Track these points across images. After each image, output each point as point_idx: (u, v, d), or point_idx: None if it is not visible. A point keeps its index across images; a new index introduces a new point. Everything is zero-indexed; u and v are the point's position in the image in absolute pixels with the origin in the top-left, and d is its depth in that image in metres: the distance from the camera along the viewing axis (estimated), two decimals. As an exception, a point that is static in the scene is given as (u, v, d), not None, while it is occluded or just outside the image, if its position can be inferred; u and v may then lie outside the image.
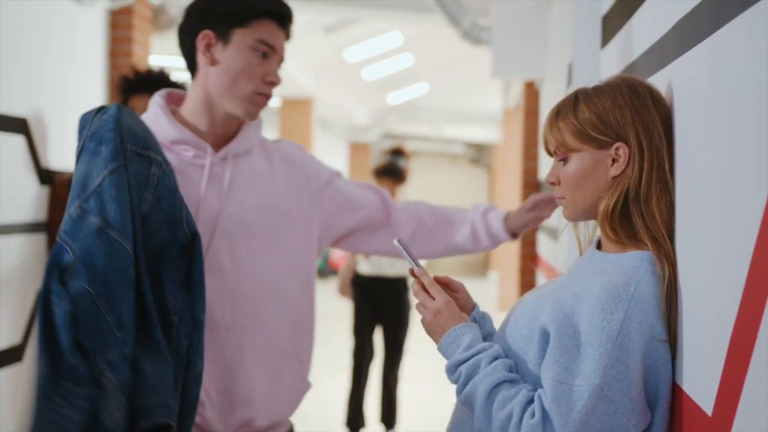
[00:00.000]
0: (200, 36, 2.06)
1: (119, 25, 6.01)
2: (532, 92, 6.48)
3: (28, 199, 3.87)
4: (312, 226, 2.19)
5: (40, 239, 4.06)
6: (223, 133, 2.11)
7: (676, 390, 1.49)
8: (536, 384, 1.52)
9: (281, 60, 2.12)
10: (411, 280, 1.75)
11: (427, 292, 1.67)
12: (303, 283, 2.16)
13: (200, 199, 2.03)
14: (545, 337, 1.51)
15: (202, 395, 1.99)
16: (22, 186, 3.84)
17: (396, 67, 12.90)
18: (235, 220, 2.05)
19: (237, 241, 2.05)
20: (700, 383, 1.35)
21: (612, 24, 2.38)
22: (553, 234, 4.82)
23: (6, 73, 3.77)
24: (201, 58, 2.07)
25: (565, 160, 1.62)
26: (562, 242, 3.50)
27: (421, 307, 1.67)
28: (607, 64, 2.48)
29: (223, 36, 2.05)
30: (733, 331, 1.19)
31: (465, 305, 1.77)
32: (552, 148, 1.64)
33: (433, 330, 1.64)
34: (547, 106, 5.49)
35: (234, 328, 2.05)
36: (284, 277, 2.11)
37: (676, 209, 1.54)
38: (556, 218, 4.50)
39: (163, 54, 9.62)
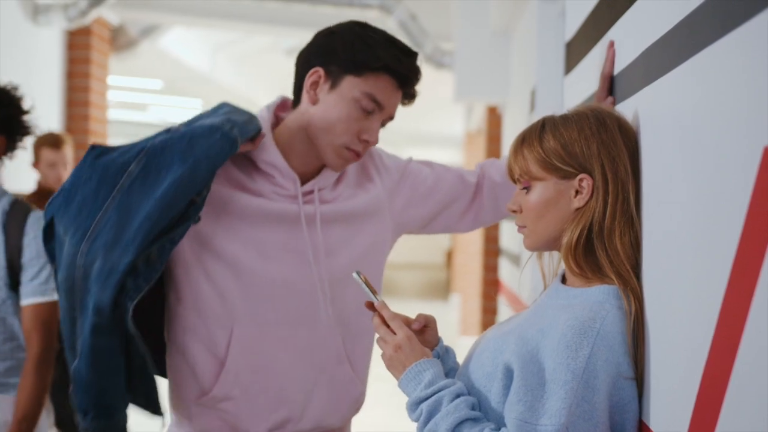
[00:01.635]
0: (311, 71, 1.93)
1: (77, 46, 5.94)
2: (494, 116, 6.48)
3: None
4: (386, 230, 2.09)
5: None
6: (311, 164, 2.00)
7: (642, 429, 1.45)
8: (499, 422, 1.48)
9: (389, 119, 1.96)
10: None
11: (388, 327, 1.63)
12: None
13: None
14: (509, 374, 1.47)
15: (235, 391, 1.94)
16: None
17: (359, 89, 12.88)
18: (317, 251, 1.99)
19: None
20: (669, 423, 1.32)
21: (576, 51, 2.36)
22: (515, 260, 4.79)
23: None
24: (305, 93, 1.96)
25: (528, 188, 1.58)
26: (526, 273, 3.46)
27: (381, 341, 1.63)
28: (571, 91, 2.46)
29: (333, 78, 1.91)
30: (705, 370, 1.16)
31: (431, 340, 1.73)
32: (516, 175, 1.61)
33: (393, 365, 1.60)
34: (509, 130, 5.49)
35: (279, 324, 1.96)
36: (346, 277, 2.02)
37: (642, 243, 1.51)
38: (519, 245, 4.48)
39: (121, 75, 9.53)
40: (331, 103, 1.91)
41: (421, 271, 21.48)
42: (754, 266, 1.01)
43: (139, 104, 12.99)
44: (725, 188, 1.11)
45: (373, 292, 1.69)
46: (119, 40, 6.63)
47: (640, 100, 1.58)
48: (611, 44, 1.81)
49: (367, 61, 1.88)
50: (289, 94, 2.09)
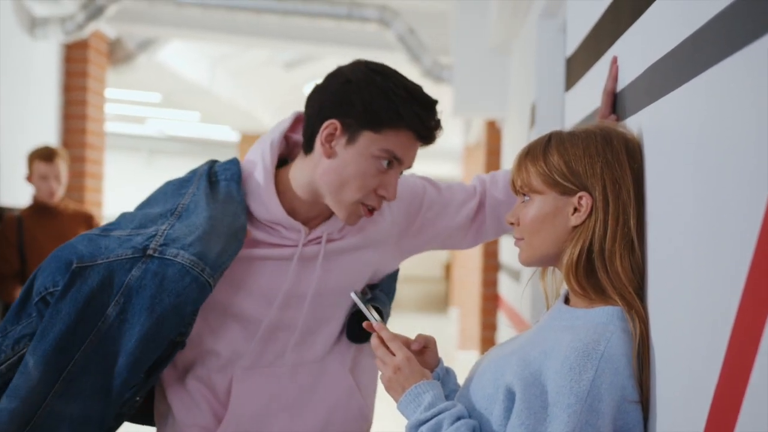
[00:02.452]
0: (327, 122, 1.82)
1: (74, 59, 5.92)
2: (494, 130, 6.46)
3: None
4: (387, 255, 2.04)
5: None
6: (319, 212, 1.93)
7: (649, 455, 1.41)
8: (501, 446, 1.45)
9: (407, 168, 1.88)
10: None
11: (387, 348, 1.61)
12: None
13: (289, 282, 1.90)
14: (510, 396, 1.45)
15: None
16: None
17: (356, 102, 12.88)
18: (323, 291, 1.93)
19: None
20: (676, 450, 1.28)
21: (577, 66, 2.34)
22: (515, 275, 4.76)
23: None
24: (319, 145, 1.84)
25: (527, 200, 1.56)
26: (527, 290, 3.44)
27: (380, 363, 1.61)
28: (573, 107, 2.43)
29: (350, 133, 1.80)
30: (715, 396, 1.13)
31: (430, 362, 1.71)
32: (517, 186, 1.59)
33: (392, 387, 1.58)
34: (509, 145, 5.47)
35: (284, 363, 1.93)
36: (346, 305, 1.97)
37: (648, 265, 1.48)
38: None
39: (119, 88, 9.52)
40: (349, 158, 1.81)
41: (419, 284, 21.44)
42: (766, 286, 0.98)
43: (137, 117, 12.99)
44: (734, 208, 1.08)
45: (372, 313, 1.67)
46: (117, 53, 6.61)
47: (644, 118, 1.55)
48: (614, 60, 1.79)
49: (388, 118, 1.79)
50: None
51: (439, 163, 17.44)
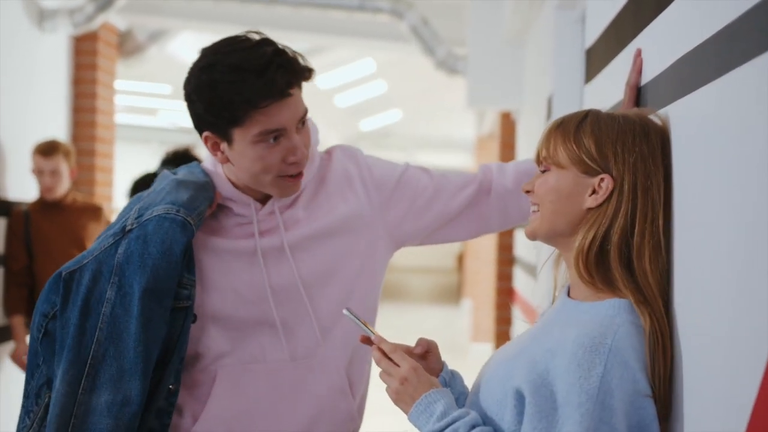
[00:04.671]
0: (203, 137, 1.85)
1: (83, 52, 5.87)
2: (508, 122, 6.39)
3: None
4: (377, 246, 1.99)
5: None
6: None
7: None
8: (516, 452, 1.41)
9: (300, 122, 1.83)
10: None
11: (390, 359, 1.56)
12: (363, 308, 1.95)
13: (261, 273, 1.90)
14: (521, 400, 1.41)
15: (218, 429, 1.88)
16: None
17: (369, 94, 12.83)
18: (295, 283, 1.91)
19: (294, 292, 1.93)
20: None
21: (597, 58, 2.27)
22: (530, 270, 4.70)
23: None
24: (215, 157, 1.89)
25: (546, 171, 1.52)
26: (541, 284, 3.37)
27: (385, 375, 1.56)
28: (592, 100, 2.37)
29: (224, 137, 1.82)
30: (759, 396, 1.05)
31: (434, 366, 1.68)
32: (541, 156, 1.54)
33: (401, 399, 1.53)
34: (524, 138, 5.41)
35: (276, 360, 1.90)
36: (343, 306, 1.91)
37: (675, 264, 1.43)
38: (535, 253, 4.39)
39: (129, 79, 9.47)
40: (240, 156, 1.82)
41: (431, 276, 21.42)
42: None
43: (148, 109, 12.96)
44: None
45: (367, 327, 1.64)
46: (127, 45, 6.56)
47: (671, 114, 1.49)
48: (638, 52, 1.72)
49: (233, 112, 1.77)
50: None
51: (451, 153, 17.38)
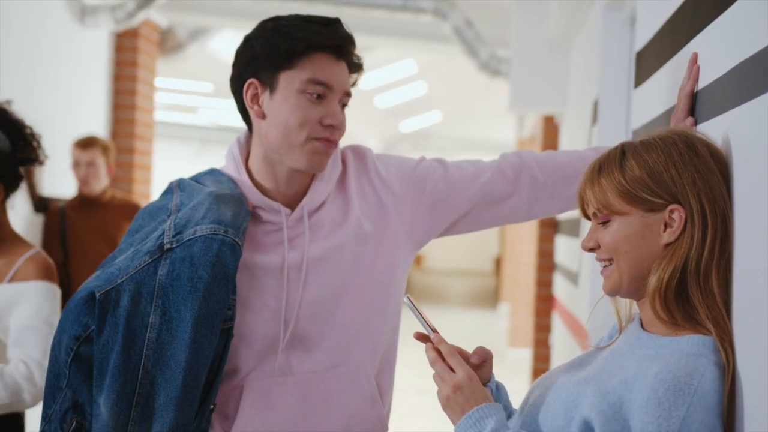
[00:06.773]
0: (246, 86, 1.82)
1: (124, 48, 5.86)
2: (551, 125, 6.29)
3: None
4: (398, 247, 1.93)
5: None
6: (293, 192, 1.88)
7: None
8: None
9: (346, 96, 1.83)
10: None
11: (445, 362, 1.48)
12: (388, 313, 1.91)
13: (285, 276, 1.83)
14: (588, 430, 1.33)
15: None
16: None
17: (409, 95, 12.79)
18: (323, 295, 1.86)
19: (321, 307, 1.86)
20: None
21: (648, 62, 2.19)
22: (572, 277, 4.60)
23: (5, 95, 3.58)
24: (251, 112, 1.84)
25: (606, 222, 1.40)
26: (584, 294, 3.29)
27: (438, 378, 1.48)
28: (641, 105, 2.28)
29: (269, 83, 1.79)
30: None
31: (485, 376, 1.59)
32: (591, 210, 1.43)
33: (450, 407, 1.46)
34: (567, 142, 5.31)
35: (304, 372, 1.84)
36: (369, 312, 1.88)
37: (735, 284, 1.33)
38: (576, 261, 4.29)
39: (170, 77, 9.48)
40: (278, 107, 1.79)
41: (468, 278, 21.31)
42: None
43: (189, 107, 12.99)
44: None
45: (428, 323, 1.54)
46: (168, 42, 6.55)
47: (730, 122, 1.40)
48: (695, 58, 1.64)
49: (291, 49, 1.77)
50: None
51: (491, 156, 17.30)
